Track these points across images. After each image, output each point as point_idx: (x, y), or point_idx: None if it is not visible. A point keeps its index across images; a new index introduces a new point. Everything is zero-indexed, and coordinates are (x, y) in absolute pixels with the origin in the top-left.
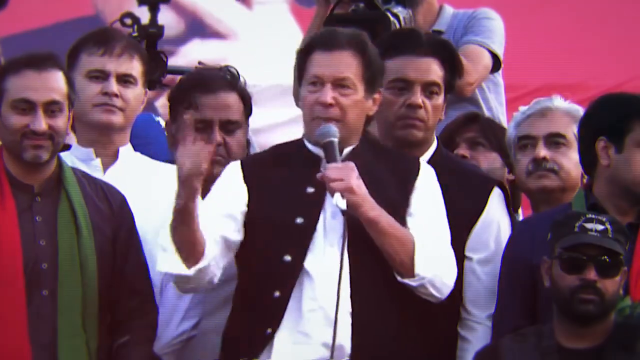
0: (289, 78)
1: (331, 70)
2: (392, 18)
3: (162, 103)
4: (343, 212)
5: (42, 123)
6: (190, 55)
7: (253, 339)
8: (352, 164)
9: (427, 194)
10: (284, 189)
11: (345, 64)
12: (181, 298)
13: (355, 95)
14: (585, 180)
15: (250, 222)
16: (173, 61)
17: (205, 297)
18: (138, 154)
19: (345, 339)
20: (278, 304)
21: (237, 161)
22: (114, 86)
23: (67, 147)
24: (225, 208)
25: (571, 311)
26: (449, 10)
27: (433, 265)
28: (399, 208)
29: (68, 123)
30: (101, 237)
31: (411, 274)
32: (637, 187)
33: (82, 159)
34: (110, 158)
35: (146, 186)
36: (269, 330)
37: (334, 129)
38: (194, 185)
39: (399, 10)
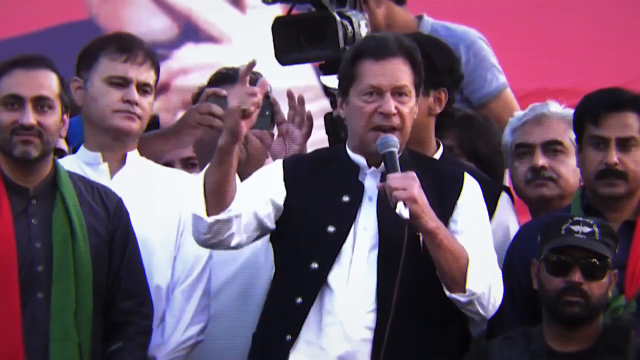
0: (282, 82)
1: (389, 79)
2: (339, 19)
3: (157, 107)
4: (406, 222)
5: (30, 117)
6: (184, 59)
7: (274, 345)
8: (413, 174)
9: (472, 211)
10: (320, 196)
11: (401, 71)
12: (189, 302)
13: (410, 102)
14: (581, 183)
15: (285, 224)
16: (167, 65)
17: (212, 301)
18: (144, 158)
19: (363, 355)
20: (299, 310)
21: (278, 160)
22: (135, 94)
23: (61, 152)
24: (264, 193)
25: (557, 313)
26: (427, 21)
27: (483, 282)
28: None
29: (62, 126)
30: (96, 240)
31: (462, 289)
32: (593, 187)
33: (88, 163)
34: (117, 163)
35: (153, 191)
36: (289, 337)
37: (394, 138)
38: (238, 124)
39: (352, 13)
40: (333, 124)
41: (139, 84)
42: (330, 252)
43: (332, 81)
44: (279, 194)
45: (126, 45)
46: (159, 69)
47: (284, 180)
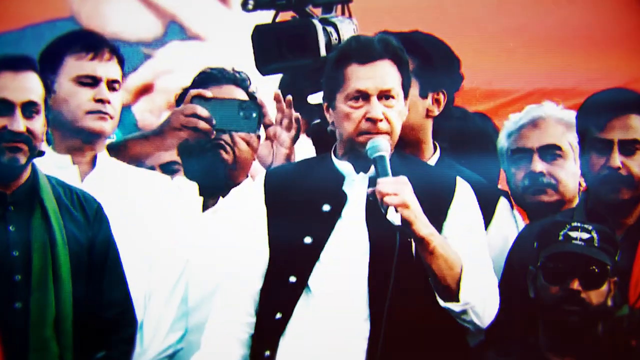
0: (270, 83)
1: (376, 83)
2: (322, 26)
3: (139, 108)
4: (397, 229)
5: (20, 124)
6: (169, 58)
7: None
8: (405, 178)
9: (465, 217)
10: (300, 207)
11: (388, 74)
12: (167, 309)
13: (398, 105)
14: (582, 188)
15: (269, 242)
16: (152, 63)
17: (195, 313)
18: (114, 159)
19: None
20: (278, 325)
21: (261, 177)
22: (106, 93)
23: (41, 154)
24: (248, 281)
25: (555, 323)
26: None
27: (478, 291)
28: None
29: (45, 129)
30: (76, 247)
31: (455, 298)
32: (596, 192)
33: (57, 166)
34: (87, 166)
35: (125, 193)
36: (267, 353)
37: (385, 142)
38: None
39: (338, 19)
40: (322, 134)
41: (108, 81)
42: (307, 264)
43: (319, 99)
44: (262, 247)
45: (91, 42)
46: (124, 64)
47: (265, 201)
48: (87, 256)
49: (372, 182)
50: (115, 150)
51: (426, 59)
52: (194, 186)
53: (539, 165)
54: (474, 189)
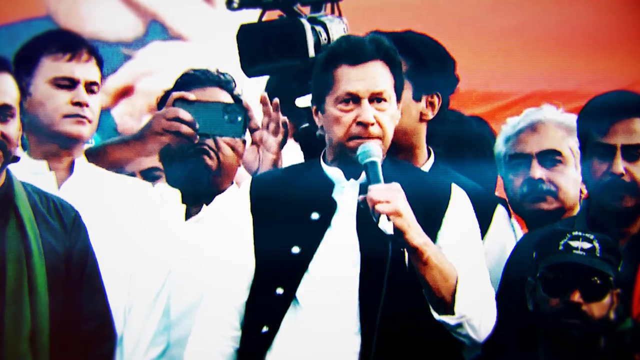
0: (256, 85)
1: (367, 85)
2: (311, 26)
3: (118, 111)
4: (389, 238)
5: None
6: (150, 59)
7: None
8: (397, 185)
9: (461, 225)
10: (287, 215)
11: (379, 76)
12: (148, 322)
13: (390, 108)
14: (584, 195)
15: (255, 252)
16: (132, 65)
17: (177, 327)
18: (92, 165)
19: None
20: (264, 339)
21: (246, 184)
22: (84, 95)
23: (16, 159)
24: (233, 292)
25: (555, 337)
26: None
27: (474, 303)
28: None
29: (21, 134)
30: (53, 258)
31: (450, 311)
32: (598, 199)
33: (33, 172)
34: (64, 172)
35: (104, 201)
36: None
37: (376, 147)
38: None
39: (327, 18)
40: (310, 139)
41: (86, 83)
42: (294, 275)
43: (307, 102)
44: (248, 257)
45: (68, 42)
46: (103, 65)
47: (251, 209)
48: (64, 267)
49: (363, 189)
50: (94, 155)
51: (420, 60)
52: (176, 193)
53: (538, 171)
54: (469, 196)
